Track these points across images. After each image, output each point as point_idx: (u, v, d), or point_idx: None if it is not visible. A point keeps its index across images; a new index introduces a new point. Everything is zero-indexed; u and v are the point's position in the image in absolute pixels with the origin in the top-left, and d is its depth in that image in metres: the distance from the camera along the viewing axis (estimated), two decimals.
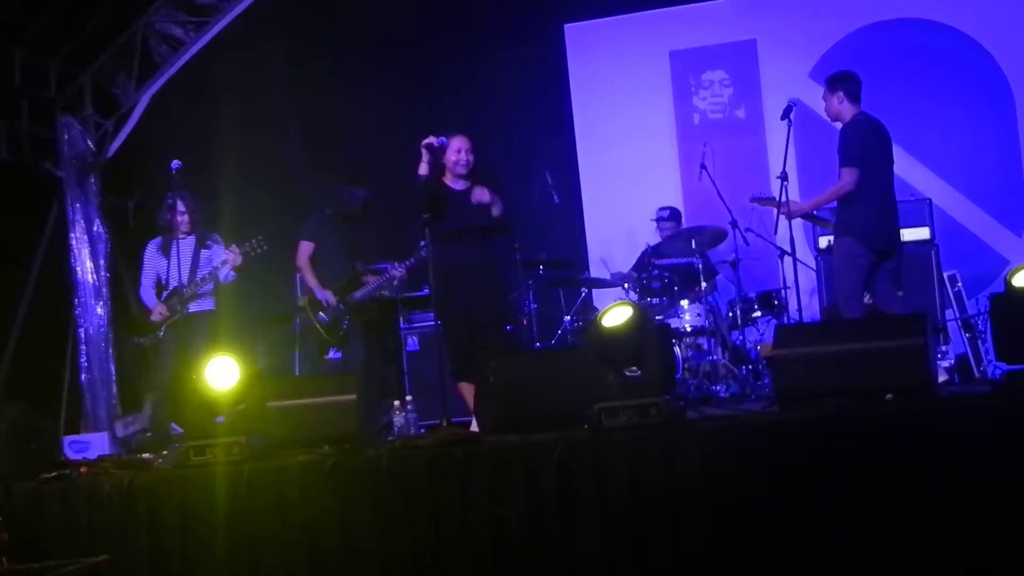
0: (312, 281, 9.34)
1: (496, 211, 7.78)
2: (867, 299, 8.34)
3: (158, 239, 9.17)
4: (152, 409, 9.42)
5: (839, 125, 8.25)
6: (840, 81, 8.18)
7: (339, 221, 9.49)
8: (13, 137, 10.62)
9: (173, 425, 8.95)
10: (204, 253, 8.95)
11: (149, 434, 9.26)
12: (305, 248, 9.41)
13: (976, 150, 10.60)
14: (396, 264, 9.15)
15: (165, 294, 8.91)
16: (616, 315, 6.24)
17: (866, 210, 8.00)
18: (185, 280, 8.81)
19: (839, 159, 8.05)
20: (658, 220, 10.47)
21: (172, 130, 11.04)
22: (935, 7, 10.79)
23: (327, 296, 9.24)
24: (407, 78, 11.22)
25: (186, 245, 8.93)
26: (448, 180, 7.85)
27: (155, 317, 8.90)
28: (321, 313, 9.29)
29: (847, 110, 8.13)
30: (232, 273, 8.86)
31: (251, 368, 6.59)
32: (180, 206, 8.85)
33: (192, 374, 6.50)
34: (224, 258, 8.80)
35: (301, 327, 10.15)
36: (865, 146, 8.04)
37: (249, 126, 11.32)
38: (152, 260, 9.10)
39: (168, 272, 8.86)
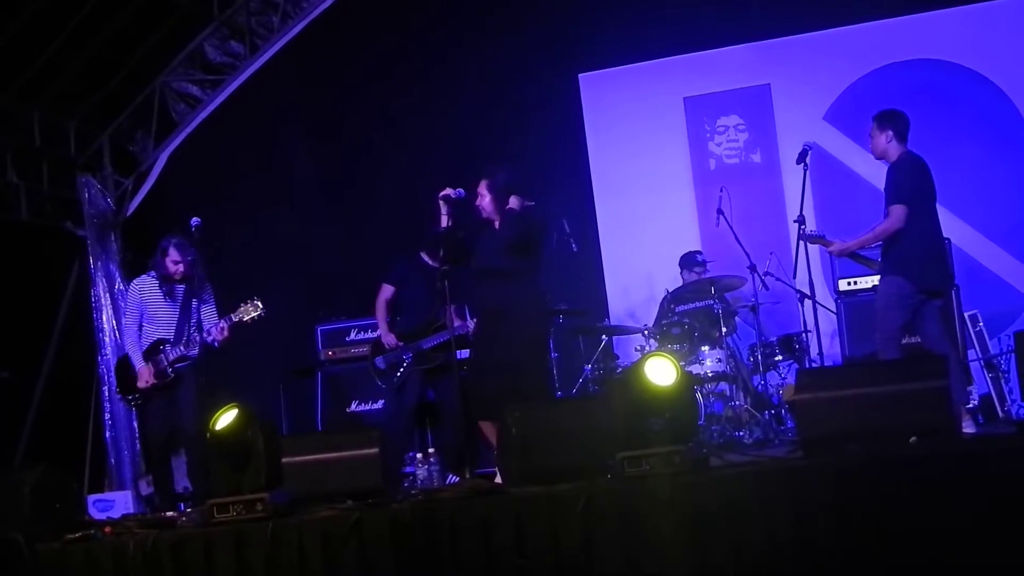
0: (380, 322, 9.23)
1: (514, 203, 7.68)
2: (915, 339, 8.28)
3: (149, 277, 8.90)
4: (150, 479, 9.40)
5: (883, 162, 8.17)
6: (889, 119, 8.07)
7: (428, 264, 9.12)
8: (34, 197, 10.73)
9: (182, 484, 8.93)
10: (194, 304, 8.74)
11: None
12: (385, 291, 9.25)
13: (993, 189, 10.59)
14: (468, 317, 9.03)
15: (149, 342, 8.72)
16: (659, 371, 6.21)
17: (916, 248, 7.83)
18: (172, 335, 8.69)
19: (887, 197, 7.94)
20: (685, 272, 10.41)
21: (191, 186, 11.12)
22: (947, 48, 10.82)
23: (389, 340, 9.12)
24: (423, 130, 11.28)
25: (178, 293, 8.79)
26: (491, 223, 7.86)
27: (141, 383, 8.67)
28: (379, 358, 9.16)
29: (894, 149, 8.00)
30: (217, 342, 8.57)
31: (257, 424, 6.56)
32: (174, 253, 8.73)
33: (207, 429, 6.49)
34: (209, 328, 8.54)
35: (324, 380, 10.18)
36: (914, 184, 7.91)
37: (268, 181, 11.42)
38: (140, 302, 8.82)
39: (157, 317, 8.76)
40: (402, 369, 9.07)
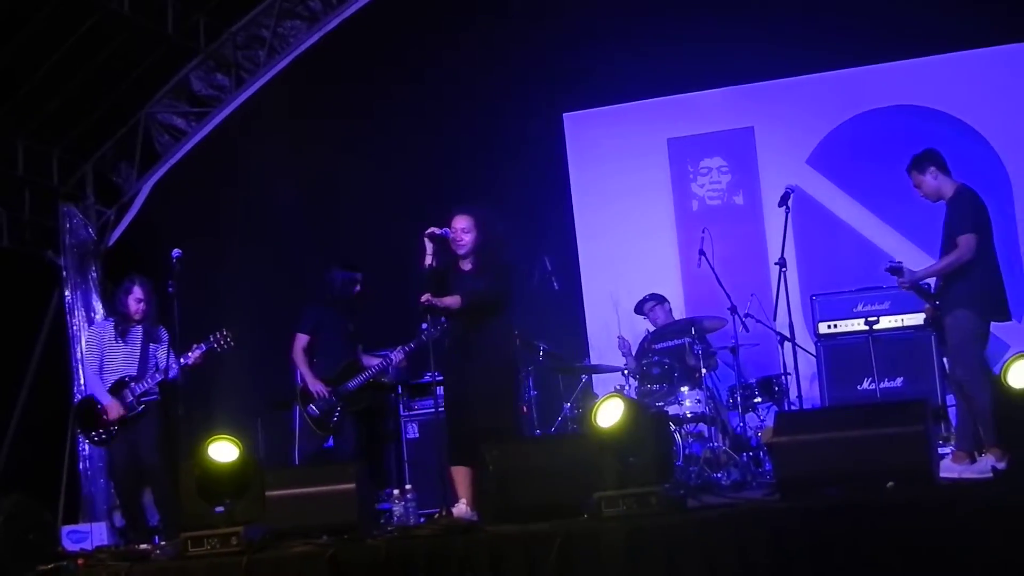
0: (305, 373, 9.39)
1: (452, 304, 7.73)
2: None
3: (107, 322, 9.25)
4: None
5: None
6: (926, 159, 7.93)
7: (337, 308, 9.50)
8: (15, 225, 10.72)
9: (152, 517, 8.92)
10: (151, 347, 8.90)
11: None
12: (300, 340, 9.45)
13: None
14: (397, 349, 9.21)
15: (112, 381, 8.81)
16: (608, 412, 6.23)
17: (982, 279, 7.73)
18: (135, 372, 8.79)
19: (954, 228, 7.77)
20: (646, 313, 10.45)
21: (173, 218, 11.10)
22: (930, 94, 10.86)
23: (318, 388, 9.30)
24: (409, 165, 11.29)
25: (136, 334, 8.92)
26: (460, 262, 7.89)
27: (112, 415, 8.74)
28: (312, 406, 9.35)
29: (947, 184, 7.88)
30: (178, 371, 8.69)
31: (249, 456, 6.55)
32: (138, 292, 8.88)
33: (189, 462, 6.47)
34: (174, 361, 8.64)
35: (300, 416, 10.15)
36: (979, 214, 7.82)
37: (251, 213, 11.40)
38: (100, 344, 8.96)
39: (116, 360, 8.86)
40: (337, 413, 9.33)
